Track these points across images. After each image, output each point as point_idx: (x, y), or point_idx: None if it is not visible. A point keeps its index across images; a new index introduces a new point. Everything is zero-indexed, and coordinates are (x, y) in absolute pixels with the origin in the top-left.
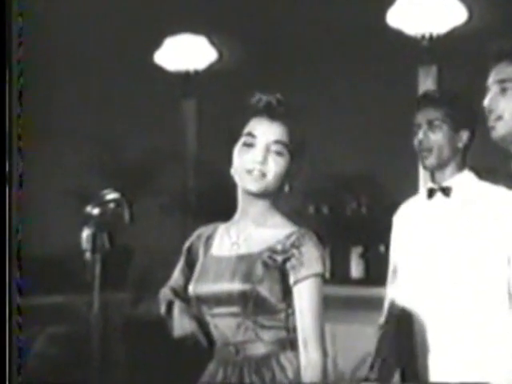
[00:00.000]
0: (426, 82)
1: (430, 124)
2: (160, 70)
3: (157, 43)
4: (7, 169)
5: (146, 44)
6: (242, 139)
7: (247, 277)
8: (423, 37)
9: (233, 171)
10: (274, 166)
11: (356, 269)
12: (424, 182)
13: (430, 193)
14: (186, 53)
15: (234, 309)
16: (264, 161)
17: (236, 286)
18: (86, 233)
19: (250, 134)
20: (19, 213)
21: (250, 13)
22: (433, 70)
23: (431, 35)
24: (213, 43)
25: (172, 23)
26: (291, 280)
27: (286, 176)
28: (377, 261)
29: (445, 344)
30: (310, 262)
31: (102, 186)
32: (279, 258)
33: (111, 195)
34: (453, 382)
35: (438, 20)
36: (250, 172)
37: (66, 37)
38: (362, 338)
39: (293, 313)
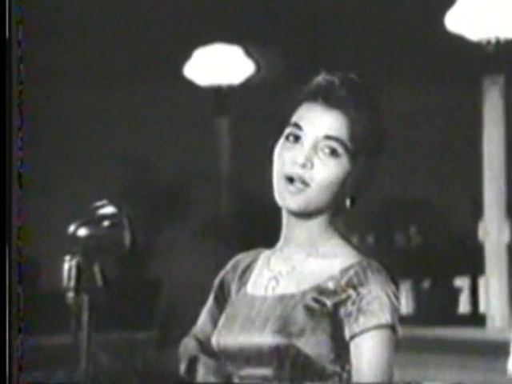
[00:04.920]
0: (492, 94)
1: None
2: (190, 85)
3: (185, 55)
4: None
5: (173, 56)
6: (286, 131)
7: (283, 327)
8: (488, 42)
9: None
10: (322, 171)
11: (405, 306)
12: (490, 209)
13: None
14: (218, 65)
15: (265, 371)
16: (307, 163)
17: (267, 339)
18: (67, 265)
19: (296, 125)
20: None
21: (290, 19)
22: (499, 79)
23: (497, 40)
24: (249, 54)
25: (202, 32)
26: (347, 333)
27: (345, 185)
28: (428, 297)
29: None
30: (372, 309)
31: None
32: (329, 302)
33: (105, 209)
34: None
35: (505, 23)
36: (289, 179)
37: (90, 49)
38: None
39: (350, 379)
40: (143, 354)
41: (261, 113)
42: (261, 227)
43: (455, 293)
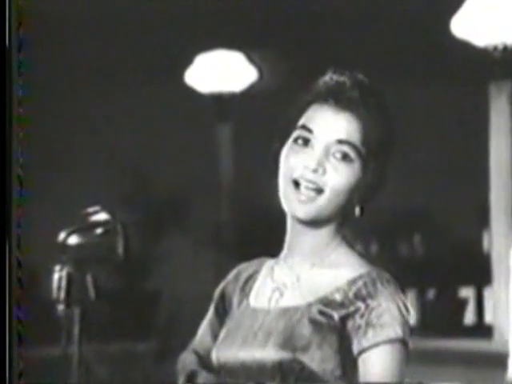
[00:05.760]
0: (499, 101)
1: None
2: (191, 92)
3: (186, 61)
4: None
5: (174, 62)
6: (294, 134)
7: (286, 341)
8: (495, 48)
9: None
10: (334, 177)
11: None
12: (497, 217)
13: None
14: (220, 72)
15: None
16: (319, 168)
17: (269, 354)
18: (57, 275)
19: (305, 128)
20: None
21: (293, 25)
22: (506, 85)
23: (505, 46)
24: (251, 60)
25: (203, 38)
26: (355, 348)
27: (355, 192)
28: (433, 307)
29: None
30: (382, 322)
31: (124, 220)
32: (336, 315)
33: (97, 216)
34: None
35: None
36: (297, 184)
37: (89, 55)
38: None
39: None
40: (142, 366)
41: (263, 120)
42: (263, 236)
43: (461, 303)
